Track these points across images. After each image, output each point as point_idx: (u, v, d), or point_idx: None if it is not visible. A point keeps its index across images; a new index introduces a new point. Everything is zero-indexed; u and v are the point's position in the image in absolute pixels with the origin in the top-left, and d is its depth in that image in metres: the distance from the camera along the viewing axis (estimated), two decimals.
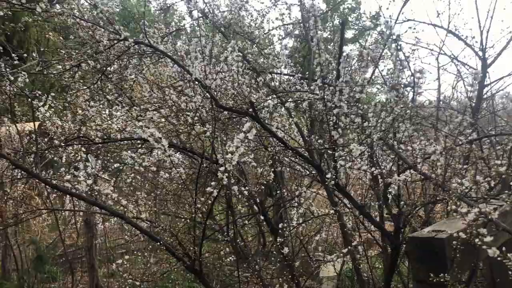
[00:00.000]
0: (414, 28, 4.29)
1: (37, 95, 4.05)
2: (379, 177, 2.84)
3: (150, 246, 7.22)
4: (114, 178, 5.44)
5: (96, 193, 2.74)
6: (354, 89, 2.72)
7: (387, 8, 4.12)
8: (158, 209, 4.66)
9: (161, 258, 4.66)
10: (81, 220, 7.22)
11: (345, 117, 2.73)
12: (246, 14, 4.31)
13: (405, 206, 2.71)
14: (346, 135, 2.92)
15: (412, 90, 2.25)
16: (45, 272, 7.76)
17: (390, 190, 2.94)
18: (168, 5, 4.10)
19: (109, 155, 4.39)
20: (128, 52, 3.10)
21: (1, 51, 3.21)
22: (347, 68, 2.59)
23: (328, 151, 3.29)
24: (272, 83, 3.75)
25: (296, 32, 5.00)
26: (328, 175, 2.52)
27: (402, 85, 2.23)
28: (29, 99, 3.33)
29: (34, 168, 3.63)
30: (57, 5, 3.07)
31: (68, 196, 6.96)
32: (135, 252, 7.00)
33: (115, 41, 2.94)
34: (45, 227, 8.19)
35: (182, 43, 4.38)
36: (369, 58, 3.40)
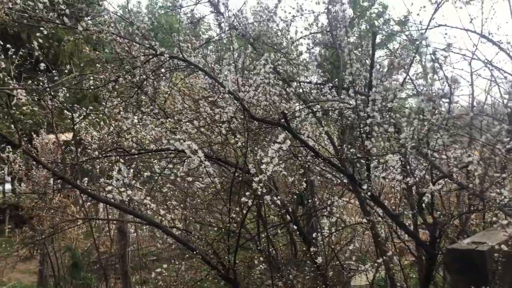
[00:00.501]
0: (446, 33, 4.24)
1: (76, 108, 4.22)
2: (413, 186, 2.82)
3: (182, 254, 7.34)
4: (146, 186, 5.58)
5: (135, 204, 2.82)
6: (387, 98, 2.72)
7: (418, 14, 4.07)
8: (190, 217, 4.75)
9: (192, 265, 4.74)
10: (114, 228, 7.40)
11: (378, 127, 2.73)
12: (273, 25, 4.36)
13: (441, 216, 2.68)
14: (379, 145, 2.91)
15: (448, 100, 2.23)
16: (80, 278, 7.98)
17: (424, 198, 2.91)
18: (198, 19, 4.20)
19: (141, 164, 4.51)
20: (163, 66, 3.19)
21: (43, 68, 3.35)
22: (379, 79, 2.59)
23: (361, 160, 3.30)
24: (300, 90, 3.79)
25: (320, 35, 5.01)
26: (364, 186, 2.51)
27: (438, 96, 2.21)
28: (70, 113, 3.46)
29: (73, 178, 3.78)
30: (91, 24, 3.20)
31: (102, 204, 7.18)
32: (171, 261, 7.10)
33: (151, 56, 3.04)
34: (80, 235, 8.44)
35: (211, 52, 4.47)
36: (399, 66, 3.40)
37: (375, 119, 2.67)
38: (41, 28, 3.01)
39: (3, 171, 7.28)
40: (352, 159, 3.24)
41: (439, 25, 4.06)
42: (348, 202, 4.00)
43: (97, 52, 3.93)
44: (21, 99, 3.40)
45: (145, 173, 4.85)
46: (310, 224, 4.24)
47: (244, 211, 2.78)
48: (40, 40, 3.13)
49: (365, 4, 21.22)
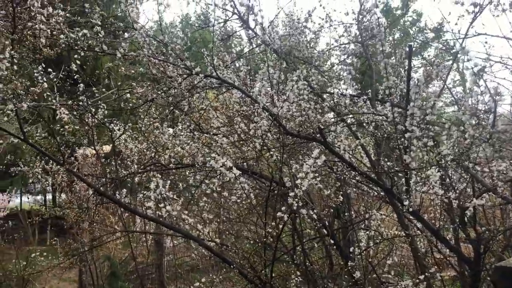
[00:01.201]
0: (486, 42, 4.11)
1: (115, 123, 4.37)
2: (454, 200, 2.74)
3: (216, 265, 7.39)
4: (181, 198, 5.68)
5: (175, 218, 2.88)
6: (425, 110, 2.67)
7: (456, 24, 3.96)
8: (224, 229, 4.79)
9: (228, 278, 4.77)
10: (151, 238, 7.56)
11: (417, 140, 2.67)
12: (303, 37, 4.35)
13: (486, 231, 2.59)
14: (418, 158, 2.85)
15: (492, 114, 2.16)
16: (118, 287, 8.17)
17: (466, 212, 2.82)
18: (228, 36, 4.26)
19: (177, 177, 4.60)
20: (198, 85, 3.26)
21: (82, 88, 3.48)
22: (417, 93, 2.54)
23: (398, 173, 3.24)
24: (332, 101, 3.76)
25: (352, 46, 4.96)
26: (406, 203, 2.47)
27: (481, 111, 2.15)
28: (110, 129, 3.58)
29: (113, 190, 3.90)
30: (128, 48, 3.31)
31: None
32: (207, 273, 7.18)
33: (186, 76, 3.11)
34: (119, 245, 8.65)
35: (242, 65, 4.50)
36: (436, 76, 3.32)
37: (414, 133, 2.62)
38: (79, 51, 3.15)
39: (47, 182, 7.58)
40: (389, 173, 3.19)
41: (478, 34, 3.95)
42: (386, 215, 3.92)
43: (132, 71, 4.05)
44: (64, 117, 3.54)
45: (181, 186, 4.94)
46: (347, 238, 4.18)
47: (280, 226, 2.78)
48: (78, 62, 3.27)
49: (398, 12, 20.85)
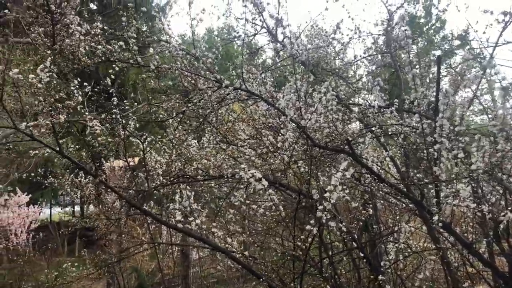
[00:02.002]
0: None
1: (144, 136, 4.48)
2: (487, 213, 2.68)
3: (242, 277, 7.38)
4: (207, 210, 5.73)
5: (204, 231, 2.92)
6: (454, 122, 2.64)
7: (484, 32, 3.91)
8: (251, 241, 4.80)
9: None
10: (177, 250, 7.63)
11: (447, 152, 2.64)
12: (331, 49, 4.37)
13: None
14: (448, 170, 2.82)
15: None
16: None
17: (499, 225, 2.76)
18: (257, 49, 4.32)
19: (202, 188, 4.66)
20: (227, 97, 3.32)
21: (115, 102, 3.60)
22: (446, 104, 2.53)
23: (429, 185, 3.19)
24: (360, 112, 3.76)
25: (379, 56, 4.95)
26: (435, 217, 2.43)
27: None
28: (140, 142, 3.67)
29: (142, 205, 3.97)
30: (159, 60, 3.42)
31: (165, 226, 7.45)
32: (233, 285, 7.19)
33: (216, 89, 3.17)
34: (146, 257, 8.76)
35: (267, 77, 4.56)
36: (465, 87, 3.28)
37: (443, 144, 2.60)
38: (114, 65, 3.28)
39: (75, 194, 7.79)
40: (419, 185, 3.15)
41: (508, 42, 3.89)
42: (416, 228, 3.85)
43: (162, 84, 4.16)
44: (97, 129, 3.66)
45: (207, 197, 5.00)
46: (375, 251, 4.12)
47: (309, 239, 2.78)
48: (112, 76, 3.40)
49: (422, 21, 20.68)
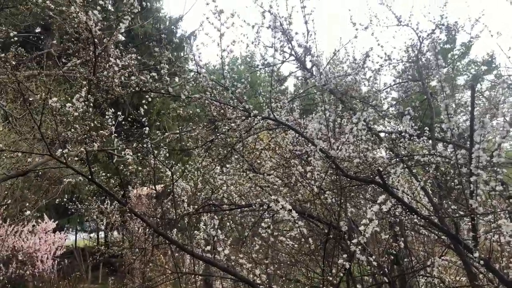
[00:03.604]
0: None
1: (173, 164, 4.52)
2: None
3: None
4: (231, 238, 5.68)
5: (232, 262, 2.88)
6: (491, 153, 2.56)
7: (509, 57, 3.85)
8: (276, 272, 4.70)
9: None
10: (200, 279, 7.54)
11: (484, 185, 2.55)
12: (361, 76, 4.36)
13: None
14: (485, 203, 2.72)
15: None
16: None
17: None
18: (285, 76, 4.36)
19: (227, 217, 4.64)
20: (255, 126, 3.33)
21: (147, 132, 3.67)
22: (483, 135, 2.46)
23: (464, 218, 3.08)
24: (391, 141, 3.70)
25: (410, 83, 4.91)
26: (476, 254, 2.33)
27: None
28: (169, 171, 3.71)
29: (166, 230, 3.96)
30: (191, 91, 3.48)
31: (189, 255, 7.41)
32: None
33: (244, 118, 3.20)
34: (168, 285, 8.69)
35: (295, 105, 4.56)
36: (503, 115, 3.20)
37: (480, 177, 2.51)
38: (147, 96, 3.36)
39: (101, 222, 7.89)
40: (453, 217, 3.04)
41: None
42: (450, 262, 3.70)
43: (190, 111, 4.23)
44: (128, 158, 3.72)
45: (231, 226, 4.96)
46: (407, 286, 3.97)
47: (341, 274, 2.70)
48: (146, 107, 3.47)
49: (447, 46, 20.59)
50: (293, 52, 4.02)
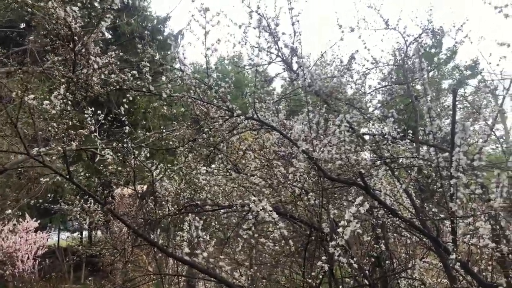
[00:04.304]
0: None
1: (154, 164, 4.45)
2: (508, 254, 2.57)
3: None
4: (215, 239, 5.62)
5: (211, 264, 2.84)
6: (472, 156, 2.58)
7: (497, 65, 3.89)
8: (257, 273, 4.68)
9: None
10: (183, 280, 7.47)
11: (464, 188, 2.56)
12: (347, 78, 4.36)
13: None
14: (464, 206, 2.73)
15: None
16: None
17: None
18: (272, 77, 4.34)
19: (210, 217, 4.59)
20: (239, 126, 3.30)
21: (127, 131, 3.60)
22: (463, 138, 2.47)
23: (445, 221, 3.10)
24: (374, 143, 3.71)
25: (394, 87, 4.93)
26: (452, 256, 2.34)
27: None
28: (150, 171, 3.65)
29: (149, 234, 3.91)
30: (172, 89, 3.44)
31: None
32: None
33: (228, 117, 3.16)
34: (151, 286, 8.59)
35: (280, 106, 4.54)
36: (484, 120, 3.22)
37: (460, 180, 2.52)
38: (128, 95, 3.30)
39: (84, 221, 7.75)
40: (434, 220, 3.05)
41: None
42: (431, 264, 3.72)
43: (174, 111, 4.18)
44: (108, 158, 3.66)
45: (215, 226, 4.91)
46: (388, 287, 3.97)
47: (320, 276, 2.68)
48: (126, 106, 3.41)
49: (433, 50, 20.86)
50: (279, 53, 4.00)
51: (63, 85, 2.75)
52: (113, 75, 2.84)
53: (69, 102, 2.96)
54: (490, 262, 3.10)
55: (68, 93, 2.91)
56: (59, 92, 2.74)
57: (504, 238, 2.77)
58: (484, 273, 3.10)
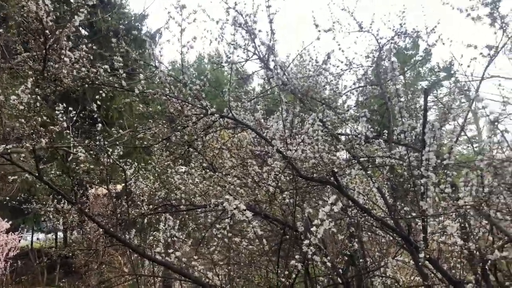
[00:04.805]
0: (500, 85, 4.11)
1: (128, 163, 4.39)
2: (475, 251, 2.62)
3: None
4: (191, 240, 5.58)
5: (184, 264, 2.81)
6: (442, 155, 2.63)
7: (468, 66, 3.98)
8: (233, 273, 4.66)
9: None
10: (159, 281, 7.38)
11: (434, 187, 2.61)
12: (322, 79, 4.39)
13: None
14: (435, 204, 2.77)
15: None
16: None
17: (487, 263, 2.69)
18: (248, 75, 4.32)
19: (187, 217, 4.55)
20: (214, 125, 3.27)
21: (100, 128, 3.53)
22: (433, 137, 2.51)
23: (416, 220, 3.14)
24: (348, 142, 3.74)
25: (369, 88, 4.99)
26: (422, 254, 2.37)
27: (500, 160, 2.10)
28: (123, 170, 3.59)
29: (124, 234, 3.84)
30: (145, 86, 3.38)
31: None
32: None
33: (202, 116, 3.13)
34: (126, 287, 8.46)
35: (258, 105, 4.53)
36: (453, 120, 3.28)
37: (430, 179, 2.56)
38: (100, 91, 3.23)
39: (58, 221, 7.57)
40: (406, 219, 3.09)
41: (492, 76, 3.95)
42: (404, 262, 3.77)
43: (149, 109, 4.12)
44: (80, 156, 3.57)
45: (191, 227, 4.87)
46: (362, 286, 4.02)
47: (294, 275, 2.68)
48: (99, 102, 3.34)
49: (409, 52, 21.23)
50: (256, 51, 3.98)
51: (31, 79, 2.66)
52: (83, 69, 2.77)
53: (38, 98, 2.88)
54: (459, 260, 3.16)
55: (37, 88, 2.83)
56: (26, 86, 2.65)
57: (472, 236, 2.83)
58: (453, 270, 3.16)
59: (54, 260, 11.81)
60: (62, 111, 3.38)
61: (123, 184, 5.65)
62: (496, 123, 1.90)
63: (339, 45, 4.50)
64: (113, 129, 3.85)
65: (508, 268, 3.41)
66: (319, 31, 4.26)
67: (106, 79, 3.04)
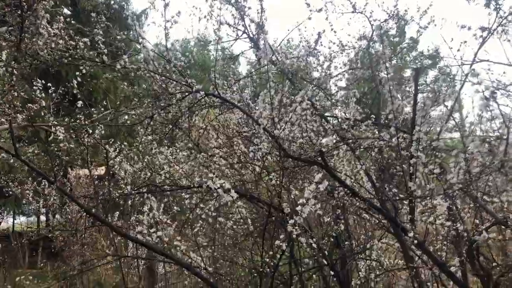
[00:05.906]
0: (489, 69, 4.09)
1: (110, 142, 4.25)
2: (462, 232, 2.60)
3: None
4: (176, 221, 5.49)
5: (166, 244, 2.74)
6: (432, 136, 2.59)
7: (458, 50, 3.93)
8: (218, 255, 4.61)
9: None
10: (143, 263, 7.32)
11: (423, 167, 2.57)
12: (313, 59, 4.30)
13: (498, 267, 2.45)
14: (423, 186, 2.74)
15: (505, 141, 2.07)
16: None
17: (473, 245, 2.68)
18: (237, 54, 4.21)
19: (172, 198, 4.46)
20: (199, 103, 3.17)
21: (80, 105, 3.39)
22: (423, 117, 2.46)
23: (403, 201, 3.12)
24: (337, 124, 3.67)
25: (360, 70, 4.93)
26: (410, 234, 2.34)
27: (493, 138, 2.06)
28: (105, 150, 3.47)
29: (106, 213, 3.74)
30: (128, 62, 3.25)
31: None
32: None
33: (187, 93, 3.03)
34: (109, 270, 8.38)
35: (246, 87, 4.44)
36: (443, 102, 3.24)
37: (419, 159, 2.52)
38: (81, 68, 3.07)
39: (38, 204, 7.41)
40: (393, 200, 3.06)
41: (481, 60, 3.92)
42: (389, 244, 3.76)
43: (134, 87, 3.98)
44: (59, 136, 3.44)
45: (175, 208, 4.78)
46: (346, 268, 4.01)
47: (278, 255, 2.63)
48: (79, 79, 3.19)
49: (396, 39, 21.24)
50: (246, 30, 3.87)
51: (5, 51, 2.52)
52: (60, 41, 2.62)
53: (15, 71, 2.74)
54: (445, 243, 3.15)
55: (13, 62, 2.68)
56: (0, 59, 2.51)
57: (459, 218, 2.82)
58: (439, 253, 3.16)
59: (36, 243, 11.63)
60: (41, 87, 3.23)
61: (106, 167, 5.52)
62: (494, 95, 1.85)
63: (331, 25, 4.41)
64: (93, 109, 3.71)
65: (490, 252, 3.43)
66: (310, 10, 4.15)
67: (86, 54, 2.90)
